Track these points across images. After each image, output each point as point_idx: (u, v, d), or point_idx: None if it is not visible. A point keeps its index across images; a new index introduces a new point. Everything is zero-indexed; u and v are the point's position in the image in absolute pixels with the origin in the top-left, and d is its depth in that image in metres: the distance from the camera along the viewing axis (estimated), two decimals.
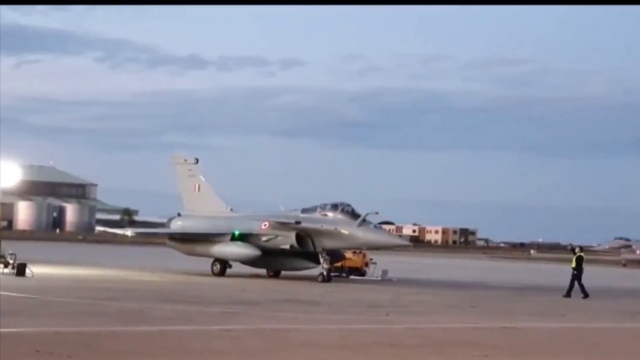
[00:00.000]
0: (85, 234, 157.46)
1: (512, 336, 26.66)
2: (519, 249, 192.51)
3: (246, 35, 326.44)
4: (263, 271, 52.25)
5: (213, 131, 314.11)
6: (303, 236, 49.40)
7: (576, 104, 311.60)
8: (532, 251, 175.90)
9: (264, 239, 50.13)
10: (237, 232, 50.69)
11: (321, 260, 49.12)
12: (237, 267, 52.30)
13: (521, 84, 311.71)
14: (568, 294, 44.08)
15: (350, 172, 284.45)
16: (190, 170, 55.24)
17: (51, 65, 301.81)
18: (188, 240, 52.78)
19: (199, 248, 51.92)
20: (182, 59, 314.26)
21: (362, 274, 54.84)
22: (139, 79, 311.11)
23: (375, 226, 50.00)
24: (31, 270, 43.34)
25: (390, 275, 54.45)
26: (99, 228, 70.67)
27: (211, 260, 51.60)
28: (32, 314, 26.78)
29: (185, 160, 55.73)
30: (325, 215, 49.25)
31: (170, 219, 55.44)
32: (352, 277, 53.88)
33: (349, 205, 49.35)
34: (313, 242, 49.30)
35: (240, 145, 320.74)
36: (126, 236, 59.65)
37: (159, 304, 31.70)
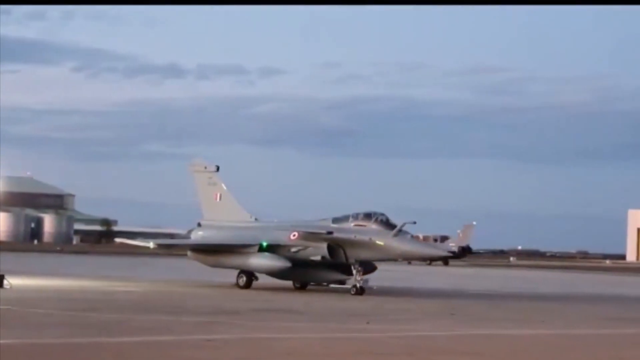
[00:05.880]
0: (64, 244, 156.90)
1: (493, 343, 26.69)
2: (499, 256, 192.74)
3: (225, 44, 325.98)
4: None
5: (192, 140, 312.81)
6: (334, 247, 47.88)
7: (557, 112, 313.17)
8: (511, 258, 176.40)
9: (293, 249, 48.45)
10: (265, 243, 48.97)
11: (354, 271, 47.82)
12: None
13: (502, 92, 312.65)
14: None
15: (331, 180, 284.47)
16: (210, 178, 53.39)
17: (28, 75, 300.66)
18: (212, 251, 50.66)
19: (225, 260, 49.98)
20: (161, 68, 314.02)
21: (342, 282, 54.67)
22: (116, 88, 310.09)
23: (412, 237, 48.24)
24: (9, 282, 43.02)
25: (371, 283, 54.37)
26: (117, 240, 68.46)
27: (234, 271, 49.78)
28: (10, 325, 26.57)
29: (205, 167, 53.65)
30: (358, 225, 47.61)
31: (190, 230, 53.71)
32: (332, 286, 53.75)
33: (383, 214, 47.49)
34: (345, 253, 47.76)
35: (219, 154, 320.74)
36: (148, 248, 57.42)
37: (140, 314, 31.56)
